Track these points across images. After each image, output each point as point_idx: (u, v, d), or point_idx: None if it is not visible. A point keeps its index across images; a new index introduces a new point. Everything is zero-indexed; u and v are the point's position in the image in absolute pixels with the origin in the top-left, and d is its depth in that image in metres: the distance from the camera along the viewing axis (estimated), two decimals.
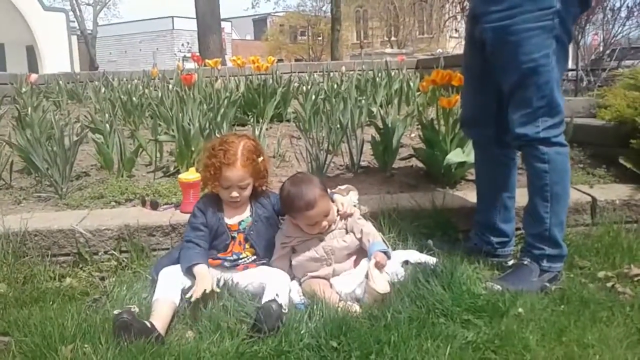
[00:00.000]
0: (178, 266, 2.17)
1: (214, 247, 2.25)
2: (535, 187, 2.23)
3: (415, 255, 2.31)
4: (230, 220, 2.26)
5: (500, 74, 2.22)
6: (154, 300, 2.02)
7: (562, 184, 2.22)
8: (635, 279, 2.24)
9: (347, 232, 2.27)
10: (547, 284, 2.19)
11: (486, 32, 2.20)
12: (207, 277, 2.08)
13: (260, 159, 2.25)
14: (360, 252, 2.28)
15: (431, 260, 2.27)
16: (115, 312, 1.93)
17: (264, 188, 2.32)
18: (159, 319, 1.93)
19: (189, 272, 2.12)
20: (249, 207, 2.29)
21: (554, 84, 2.13)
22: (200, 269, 2.11)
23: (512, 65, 2.14)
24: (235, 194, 2.20)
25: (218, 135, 3.27)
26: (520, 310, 1.98)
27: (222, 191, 2.22)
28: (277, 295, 1.96)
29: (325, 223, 2.19)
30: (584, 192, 2.81)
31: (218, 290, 2.06)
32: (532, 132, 2.15)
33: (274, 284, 2.07)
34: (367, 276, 2.11)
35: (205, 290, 2.01)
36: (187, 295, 2.04)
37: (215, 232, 2.24)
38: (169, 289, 2.05)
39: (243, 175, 2.18)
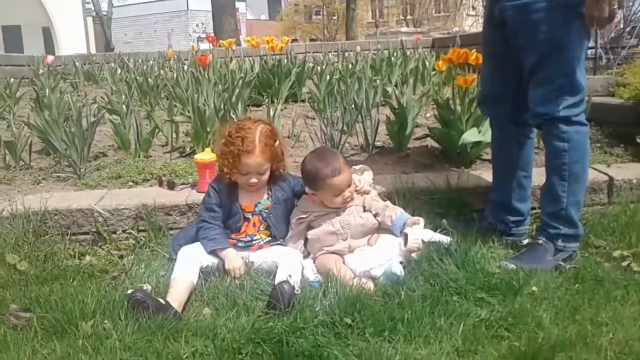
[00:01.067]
0: (196, 244, 2.20)
1: (227, 226, 2.28)
2: (553, 165, 2.21)
3: (429, 234, 2.32)
4: (245, 201, 2.28)
5: (521, 52, 2.20)
6: (172, 279, 2.06)
7: (581, 164, 2.21)
8: None
9: (364, 210, 2.30)
10: (562, 263, 2.19)
11: (506, 10, 2.17)
12: (239, 260, 2.17)
13: (277, 143, 2.25)
14: (375, 232, 2.31)
15: (445, 239, 2.27)
16: (129, 291, 1.97)
17: (281, 171, 2.33)
18: (176, 296, 1.96)
19: (213, 253, 2.18)
20: (266, 190, 2.31)
21: (576, 63, 2.11)
22: (229, 253, 2.18)
23: (533, 43, 2.12)
24: (254, 180, 2.22)
25: (233, 117, 3.28)
26: (534, 288, 1.99)
27: (240, 177, 2.23)
28: (289, 276, 1.98)
29: (348, 194, 2.22)
30: (601, 172, 2.78)
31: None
32: (553, 111, 2.13)
33: (287, 264, 2.10)
34: (404, 243, 2.12)
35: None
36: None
37: (229, 212, 2.27)
38: (187, 268, 2.09)
39: (262, 161, 2.19)
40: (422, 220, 2.23)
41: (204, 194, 2.40)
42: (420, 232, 2.16)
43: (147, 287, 2.02)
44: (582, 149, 2.20)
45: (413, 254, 2.15)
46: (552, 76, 2.12)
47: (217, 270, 2.18)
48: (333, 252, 2.23)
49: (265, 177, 2.25)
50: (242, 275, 2.14)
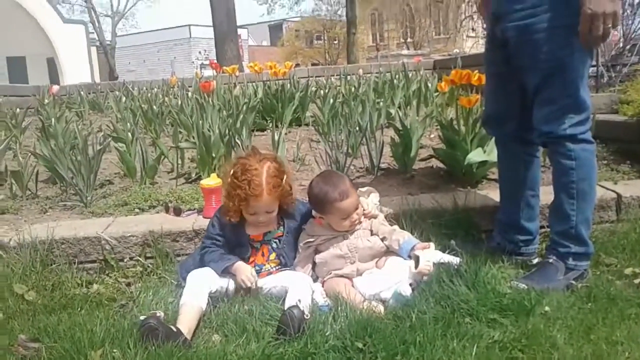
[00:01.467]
0: (205, 269, 2.19)
1: (235, 254, 2.26)
2: (561, 184, 2.21)
3: (438, 256, 2.30)
4: (253, 231, 2.27)
5: (524, 73, 2.20)
6: (181, 305, 2.04)
7: (589, 181, 2.20)
8: None
9: (371, 234, 2.29)
10: (573, 282, 2.17)
11: (509, 30, 2.19)
12: (248, 268, 2.19)
13: (284, 179, 2.22)
14: (383, 256, 2.30)
15: (455, 260, 2.25)
16: (142, 317, 1.96)
17: (290, 204, 2.30)
18: (186, 323, 1.94)
19: (225, 272, 2.18)
20: (276, 220, 2.30)
21: (580, 81, 2.11)
22: (239, 265, 2.20)
23: (535, 64, 2.13)
24: (262, 218, 2.21)
25: (238, 142, 3.30)
26: (546, 308, 1.97)
27: (249, 216, 2.22)
28: (299, 301, 1.96)
29: (355, 217, 2.22)
30: (608, 189, 2.77)
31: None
32: (559, 130, 2.13)
33: (296, 288, 2.08)
34: (415, 265, 2.11)
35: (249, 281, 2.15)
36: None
37: (236, 243, 2.26)
38: (196, 293, 2.07)
39: (270, 203, 2.18)
40: (432, 245, 2.22)
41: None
42: (431, 254, 2.15)
43: (160, 314, 2.00)
44: (589, 167, 2.19)
45: (425, 277, 2.13)
46: (556, 96, 2.12)
47: (226, 295, 2.16)
48: (342, 276, 2.21)
49: (274, 213, 2.24)
50: (254, 283, 2.14)
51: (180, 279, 2.25)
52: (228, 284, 2.18)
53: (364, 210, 2.29)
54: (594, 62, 5.95)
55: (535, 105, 2.20)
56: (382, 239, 2.28)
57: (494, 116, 2.45)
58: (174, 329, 1.88)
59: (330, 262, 2.24)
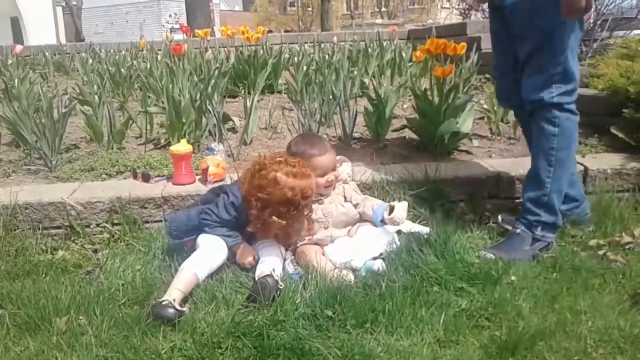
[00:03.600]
0: (219, 243, 2.10)
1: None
2: (541, 149, 2.23)
3: (408, 225, 2.32)
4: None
5: (517, 40, 2.23)
6: (183, 268, 1.96)
7: (568, 151, 2.24)
8: (627, 246, 2.26)
9: (345, 200, 2.30)
10: (539, 252, 2.21)
11: None
12: (252, 252, 2.13)
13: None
14: (356, 223, 2.31)
15: (424, 229, 2.28)
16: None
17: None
18: (183, 291, 1.90)
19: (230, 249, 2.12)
20: None
21: (569, 52, 2.14)
22: (245, 248, 2.14)
23: (528, 31, 2.15)
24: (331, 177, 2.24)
25: (210, 108, 3.22)
26: (513, 278, 2.00)
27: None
28: (273, 270, 1.95)
29: (332, 177, 2.24)
30: (576, 162, 2.80)
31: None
32: (547, 97, 2.17)
33: (267, 256, 2.07)
34: (389, 212, 2.17)
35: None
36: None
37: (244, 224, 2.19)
38: (202, 266, 1.99)
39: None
40: (405, 203, 2.25)
41: (180, 186, 2.36)
42: (405, 206, 2.20)
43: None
44: (570, 137, 2.23)
45: (395, 227, 2.20)
46: (546, 65, 2.15)
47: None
48: (315, 243, 2.21)
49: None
50: (252, 266, 2.09)
51: (169, 237, 2.20)
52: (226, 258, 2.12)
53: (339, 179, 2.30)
54: None
55: (525, 74, 2.22)
56: (355, 206, 2.30)
57: (500, 88, 2.48)
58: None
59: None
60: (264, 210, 2.02)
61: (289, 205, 2.00)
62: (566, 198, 2.40)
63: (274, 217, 2.01)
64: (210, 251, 2.06)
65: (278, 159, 2.08)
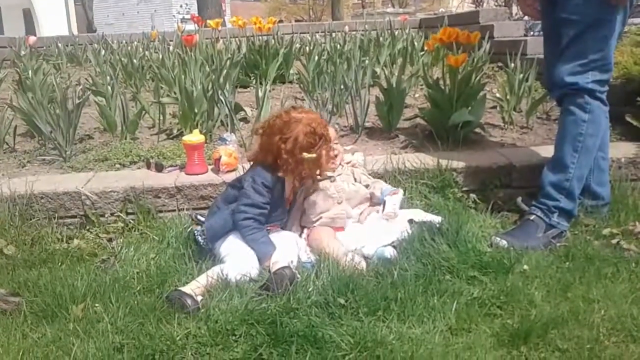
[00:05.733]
0: (252, 260, 2.05)
1: (272, 219, 2.21)
2: (569, 134, 2.24)
3: (420, 214, 2.32)
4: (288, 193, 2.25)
5: (562, 24, 2.20)
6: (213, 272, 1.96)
7: (594, 139, 2.24)
8: None
9: (355, 181, 2.38)
10: (552, 240, 2.21)
11: None
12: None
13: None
14: (367, 205, 2.38)
15: (436, 219, 2.28)
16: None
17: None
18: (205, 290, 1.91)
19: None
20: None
21: (611, 40, 2.15)
22: (276, 257, 2.06)
23: (571, 16, 2.15)
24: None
25: (222, 98, 3.23)
26: (525, 267, 2.00)
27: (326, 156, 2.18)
28: (291, 262, 1.97)
29: (337, 150, 2.32)
30: None
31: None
32: (582, 82, 2.17)
33: (284, 247, 2.08)
34: (382, 209, 2.30)
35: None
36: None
37: (277, 205, 2.19)
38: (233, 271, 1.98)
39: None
40: (400, 191, 2.34)
41: (192, 176, 2.37)
42: (398, 199, 2.29)
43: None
44: (599, 125, 2.24)
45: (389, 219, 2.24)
46: (586, 51, 2.15)
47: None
48: (330, 219, 2.24)
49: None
50: None
51: (209, 243, 2.15)
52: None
53: (348, 162, 2.42)
54: None
55: (562, 59, 2.21)
56: (366, 186, 2.38)
57: (548, 79, 2.44)
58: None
59: (319, 204, 2.26)
60: (293, 150, 2.09)
61: (314, 136, 2.10)
62: (592, 194, 2.41)
63: (304, 153, 2.08)
64: (245, 268, 2.00)
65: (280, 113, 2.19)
